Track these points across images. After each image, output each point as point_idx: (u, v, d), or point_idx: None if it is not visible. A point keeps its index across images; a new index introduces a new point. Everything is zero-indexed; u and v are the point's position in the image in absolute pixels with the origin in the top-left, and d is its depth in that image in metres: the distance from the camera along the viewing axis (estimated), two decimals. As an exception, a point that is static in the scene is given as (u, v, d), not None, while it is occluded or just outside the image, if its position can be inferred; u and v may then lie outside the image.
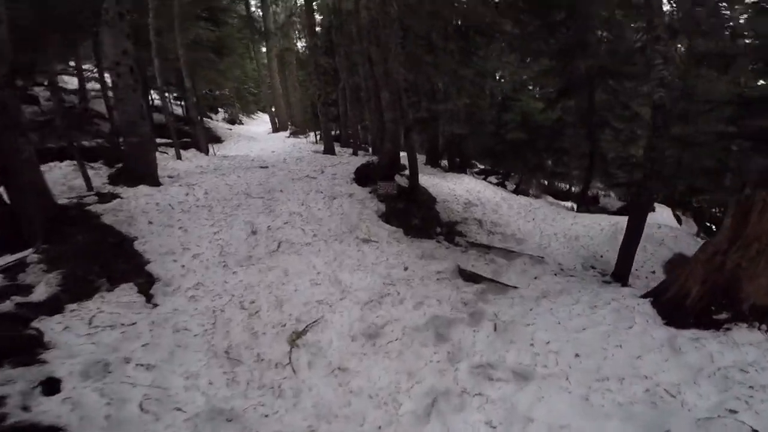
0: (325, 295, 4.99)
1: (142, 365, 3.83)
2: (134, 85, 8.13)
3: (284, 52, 24.63)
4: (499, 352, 4.03)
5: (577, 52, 9.11)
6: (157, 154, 10.80)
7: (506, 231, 9.06)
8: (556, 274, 6.56)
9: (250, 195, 7.67)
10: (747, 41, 9.21)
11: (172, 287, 5.12)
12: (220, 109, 27.44)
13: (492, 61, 12.28)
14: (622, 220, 8.96)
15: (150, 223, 6.19)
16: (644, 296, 4.64)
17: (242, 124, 28.87)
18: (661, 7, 5.16)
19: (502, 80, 14.01)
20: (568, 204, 14.65)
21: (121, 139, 9.02)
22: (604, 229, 8.56)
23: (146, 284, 5.15)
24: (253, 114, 33.81)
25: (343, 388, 3.89)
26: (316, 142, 17.78)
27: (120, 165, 8.55)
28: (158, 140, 11.92)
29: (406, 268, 5.76)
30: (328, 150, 13.31)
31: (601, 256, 7.76)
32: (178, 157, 10.56)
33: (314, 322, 4.62)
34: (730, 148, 9.94)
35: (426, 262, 6.06)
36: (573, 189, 17.98)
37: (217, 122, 24.23)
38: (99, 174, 8.47)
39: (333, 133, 17.69)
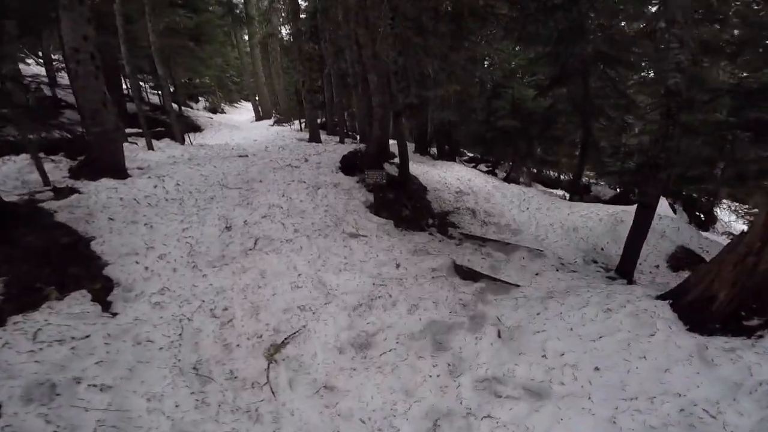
0: (307, 300, 4.38)
1: (95, 386, 3.21)
2: (96, 72, 7.27)
3: (268, 39, 23.48)
4: (506, 364, 3.52)
5: (576, 36, 8.53)
6: (127, 144, 9.96)
7: (500, 221, 8.56)
8: (557, 270, 6.09)
9: (226, 186, 6.94)
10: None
11: (134, 293, 4.45)
12: (200, 98, 26.27)
13: (484, 46, 11.61)
14: (621, 211, 8.56)
15: (111, 219, 5.45)
16: (660, 297, 4.16)
17: (224, 113, 27.77)
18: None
19: (492, 67, 13.35)
20: (559, 192, 14.25)
21: (83, 130, 8.12)
22: (602, 219, 8.12)
23: (103, 290, 4.46)
24: (236, 103, 32.69)
25: (330, 411, 3.33)
26: (301, 130, 16.96)
27: (83, 157, 7.70)
28: (129, 130, 11.03)
29: (398, 266, 5.19)
30: (313, 138, 12.56)
31: (602, 249, 7.32)
32: (150, 147, 9.70)
33: (295, 332, 4.02)
34: (726, 137, 9.59)
35: (419, 258, 5.49)
36: (562, 177, 17.63)
37: (198, 111, 23.09)
38: (59, 167, 7.60)
39: (318, 121, 16.93)
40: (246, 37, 25.99)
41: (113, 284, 4.54)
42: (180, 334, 3.96)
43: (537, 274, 5.84)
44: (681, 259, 6.96)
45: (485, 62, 12.99)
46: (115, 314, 4.15)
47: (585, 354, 3.40)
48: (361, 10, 7.40)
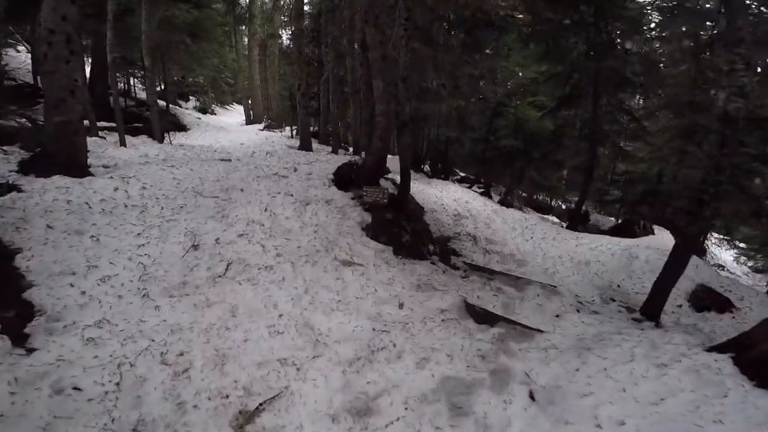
0: (290, 350, 3.36)
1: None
2: (68, 56, 6.22)
3: (268, 39, 22.55)
4: (551, 440, 2.60)
5: (606, 52, 7.88)
6: (95, 139, 8.80)
7: (503, 250, 7.71)
8: (578, 311, 5.26)
9: (200, 194, 5.88)
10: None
11: (63, 323, 3.37)
12: (191, 97, 25.04)
13: (494, 60, 10.92)
14: (633, 245, 7.83)
15: (49, 228, 4.33)
16: (715, 350, 3.62)
17: (215, 114, 26.52)
18: (745, 8, 3.91)
19: (496, 83, 12.68)
20: (553, 219, 13.59)
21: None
22: (615, 254, 7.37)
23: (19, 318, 3.38)
24: (228, 105, 31.51)
25: None
26: (292, 136, 15.93)
27: (38, 150, 6.52)
28: (103, 124, 9.84)
29: (401, 305, 4.23)
30: (305, 146, 11.57)
31: (618, 286, 6.53)
32: (122, 143, 8.54)
33: (274, 396, 2.98)
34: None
35: (425, 295, 4.55)
36: (554, 203, 17.04)
37: (186, 110, 21.82)
38: (8, 160, 6.40)
39: (312, 129, 16.00)
40: (245, 38, 25.12)
41: (34, 311, 3.45)
42: (118, 383, 2.94)
43: (557, 316, 4.99)
44: (703, 298, 6.27)
45: (494, 78, 12.28)
46: (31, 351, 3.07)
47: (646, 420, 2.74)
48: (371, 7, 6.54)
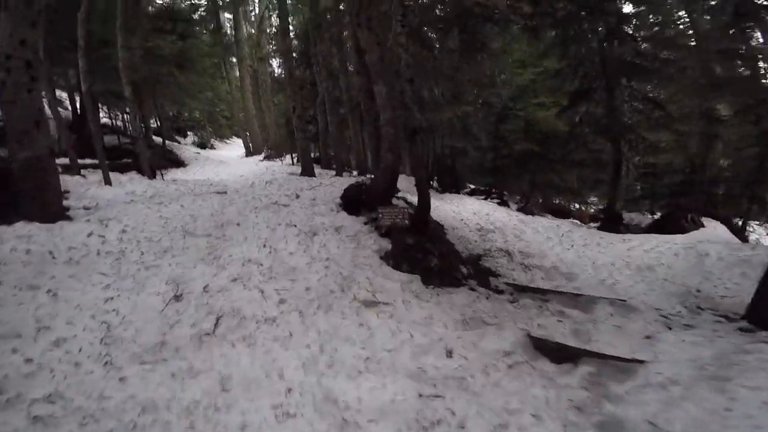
0: (305, 441, 2.31)
1: None
2: (29, 83, 5.48)
3: (258, 64, 22.27)
4: None
5: (617, 39, 7.08)
6: (78, 177, 8.00)
7: (544, 263, 6.64)
8: (669, 328, 4.17)
9: (190, 233, 4.96)
10: None
11: (5, 396, 2.43)
12: (189, 132, 24.71)
13: (495, 59, 10.13)
14: (695, 241, 6.76)
15: (-4, 284, 3.39)
16: None
17: (214, 148, 26.05)
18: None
19: (499, 84, 11.86)
20: (577, 223, 12.48)
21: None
22: (678, 254, 6.29)
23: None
24: (227, 138, 31.16)
25: None
26: (293, 164, 15.18)
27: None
28: (87, 161, 9.07)
29: (450, 353, 3.18)
30: (306, 171, 10.73)
31: (698, 291, 5.39)
32: (107, 181, 7.71)
33: None
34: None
35: (476, 334, 3.52)
36: (573, 207, 15.95)
37: (184, 145, 21.35)
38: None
39: (312, 154, 15.30)
40: (237, 70, 24.98)
41: (-34, 382, 2.49)
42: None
43: (648, 338, 3.87)
44: None
45: (496, 81, 11.48)
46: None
47: None
48: (363, 10, 5.80)
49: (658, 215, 9.81)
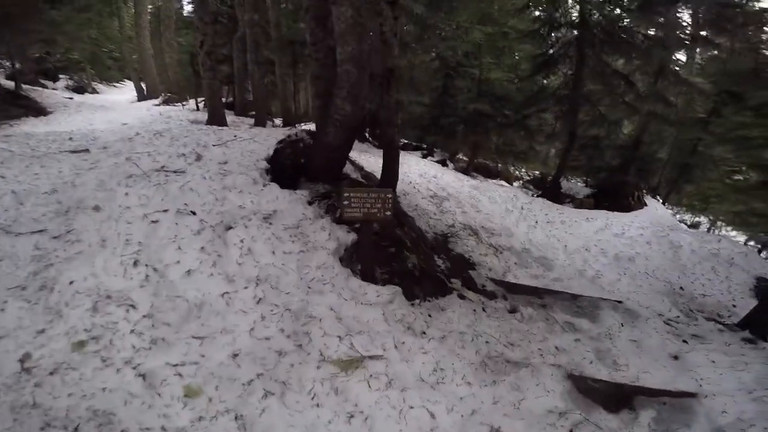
0: None
1: None
2: None
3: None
4: None
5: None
6: None
7: (514, 244, 5.54)
8: (685, 341, 3.32)
9: (6, 228, 2.59)
10: None
11: None
12: (61, 76, 19.03)
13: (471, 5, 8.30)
14: (668, 229, 6.14)
15: None
16: None
17: (97, 92, 20.56)
18: None
19: (453, 41, 10.12)
20: (505, 185, 11.85)
21: None
22: (651, 243, 5.64)
23: None
24: (117, 82, 25.04)
25: None
26: (198, 109, 11.97)
27: None
28: None
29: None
30: (215, 119, 8.03)
31: (681, 289, 4.72)
32: None
33: None
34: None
35: (510, 387, 2.46)
36: (503, 170, 15.41)
37: (55, 90, 16.13)
38: None
39: (224, 100, 12.22)
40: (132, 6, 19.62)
41: None
42: None
43: (676, 358, 2.99)
44: None
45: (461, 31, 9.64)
46: None
47: None
48: None
49: (591, 188, 9.43)
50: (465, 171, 10.76)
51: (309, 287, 2.56)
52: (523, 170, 15.73)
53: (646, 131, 8.86)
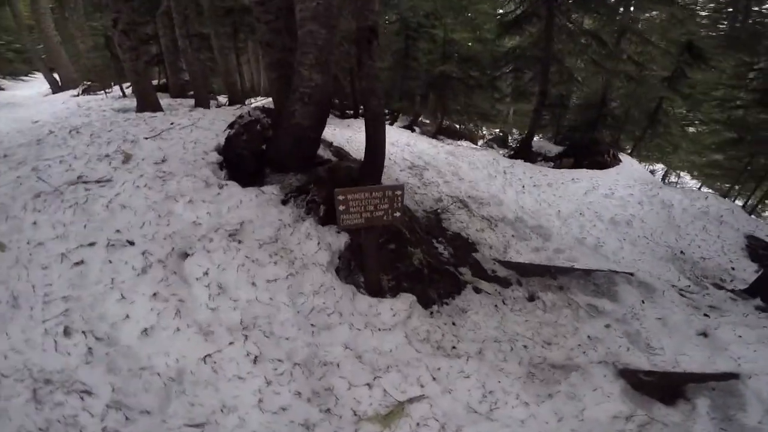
0: None
1: None
2: None
3: None
4: None
5: None
6: None
7: (506, 214, 5.13)
8: (707, 315, 3.20)
9: None
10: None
11: None
12: None
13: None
14: (658, 188, 5.95)
15: None
16: None
17: (1, 89, 17.59)
18: None
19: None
20: (467, 144, 11.49)
21: None
22: (642, 203, 5.43)
23: None
24: (24, 76, 21.65)
25: None
26: (124, 96, 10.32)
27: None
28: None
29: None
30: (147, 104, 6.70)
31: (682, 253, 4.55)
32: None
33: None
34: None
35: (566, 397, 2.19)
36: (462, 127, 14.98)
37: None
38: None
39: (157, 83, 10.65)
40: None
41: None
42: None
43: (705, 335, 2.91)
44: (764, 255, 4.62)
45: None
46: None
47: None
48: None
49: (561, 146, 9.25)
50: (433, 135, 10.22)
51: (312, 324, 1.92)
52: (484, 130, 15.50)
53: (610, 89, 8.71)
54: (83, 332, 1.62)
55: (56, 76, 15.84)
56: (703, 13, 11.96)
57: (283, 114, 3.07)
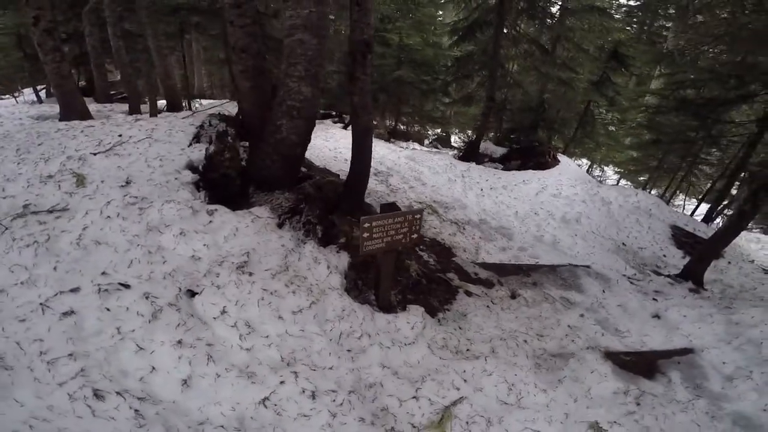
0: None
1: None
2: None
3: None
4: None
5: None
6: None
7: (471, 217, 5.37)
8: (655, 300, 3.61)
9: None
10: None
11: None
12: None
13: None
14: (597, 187, 6.53)
15: None
16: None
17: None
18: None
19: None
20: (417, 146, 11.85)
21: None
22: (586, 201, 5.98)
23: None
24: None
25: None
26: (41, 101, 8.95)
27: None
28: None
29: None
30: (72, 111, 5.82)
31: (624, 245, 5.14)
32: None
33: None
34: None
35: (572, 382, 2.21)
36: (411, 130, 15.34)
37: None
38: None
39: (79, 85, 9.36)
40: None
41: None
42: None
43: (657, 317, 3.35)
44: (686, 243, 5.35)
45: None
46: None
47: None
48: None
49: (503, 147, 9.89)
50: (387, 138, 10.30)
51: (348, 350, 1.88)
52: (429, 131, 16.01)
53: (545, 93, 9.46)
54: (117, 393, 1.37)
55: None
56: (617, 16, 13.51)
57: (267, 128, 2.86)
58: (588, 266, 4.10)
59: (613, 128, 11.26)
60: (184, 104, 9.02)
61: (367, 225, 1.98)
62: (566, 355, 2.50)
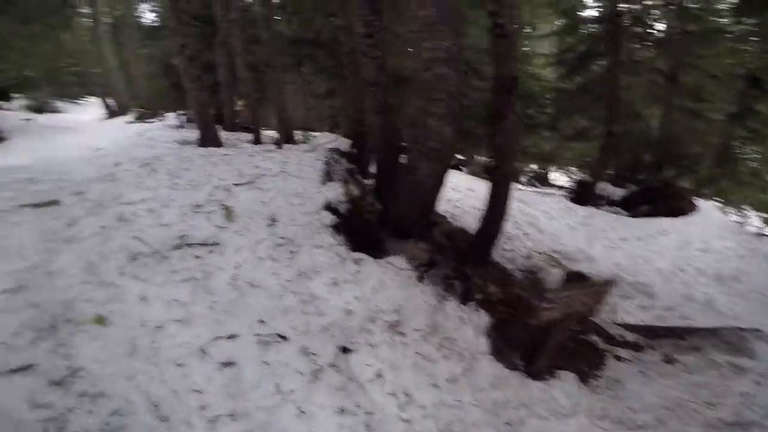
0: None
1: None
2: None
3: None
4: None
5: None
6: None
7: (602, 270, 4.63)
8: None
9: None
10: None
11: None
12: (15, 96, 16.81)
13: None
14: (752, 236, 5.40)
15: None
16: None
17: (57, 112, 18.38)
18: None
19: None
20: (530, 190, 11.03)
21: None
22: (743, 256, 5.10)
23: None
24: (79, 98, 22.70)
25: None
26: (182, 126, 10.40)
27: None
28: None
29: None
30: (208, 138, 6.61)
31: None
32: None
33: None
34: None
35: None
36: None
37: (9, 111, 14.07)
38: None
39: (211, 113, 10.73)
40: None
41: None
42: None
43: None
44: None
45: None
46: None
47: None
48: None
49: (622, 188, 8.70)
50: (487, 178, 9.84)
51: (506, 422, 1.67)
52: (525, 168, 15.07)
53: (672, 126, 8.22)
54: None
55: (111, 101, 16.52)
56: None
57: (403, 171, 2.76)
58: (758, 330, 3.26)
59: (756, 164, 9.35)
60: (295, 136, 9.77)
61: (551, 296, 1.70)
62: (745, 424, 2.09)
